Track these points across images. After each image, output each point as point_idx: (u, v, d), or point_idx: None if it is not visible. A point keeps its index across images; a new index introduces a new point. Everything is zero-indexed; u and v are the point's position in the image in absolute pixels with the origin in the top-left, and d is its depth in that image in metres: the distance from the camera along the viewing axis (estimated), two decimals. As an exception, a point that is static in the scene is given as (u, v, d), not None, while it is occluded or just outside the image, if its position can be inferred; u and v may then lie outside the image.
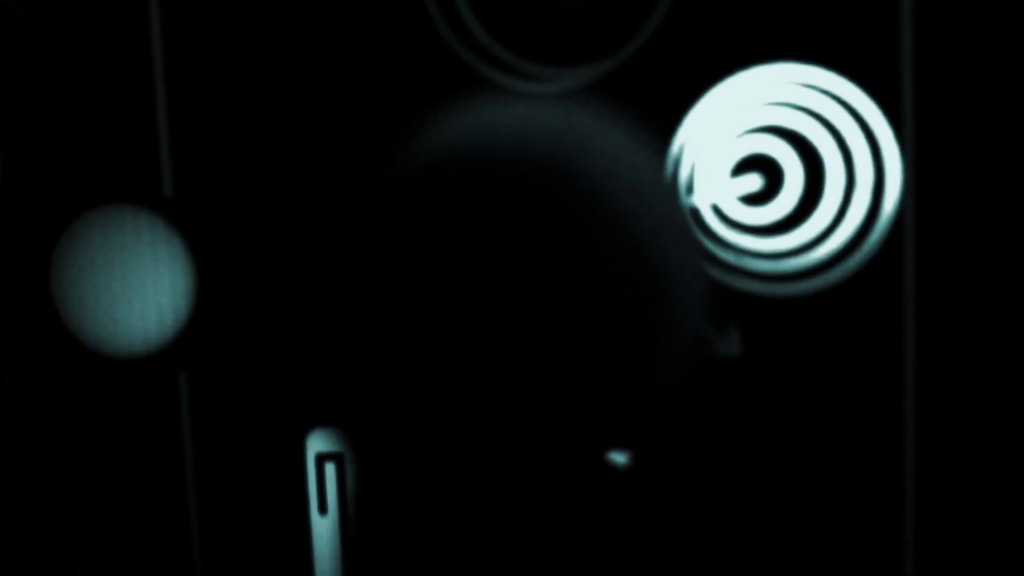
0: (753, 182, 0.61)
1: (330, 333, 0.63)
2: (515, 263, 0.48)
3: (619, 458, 0.60)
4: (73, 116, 0.63)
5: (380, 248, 0.51)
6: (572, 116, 0.52)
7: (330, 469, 0.64)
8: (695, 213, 0.61)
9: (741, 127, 0.61)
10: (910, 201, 0.61)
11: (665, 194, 0.52)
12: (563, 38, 0.61)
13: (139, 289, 0.62)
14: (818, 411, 0.62)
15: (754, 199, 0.61)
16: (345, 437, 0.64)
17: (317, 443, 0.64)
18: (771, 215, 0.61)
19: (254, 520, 0.65)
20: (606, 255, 0.49)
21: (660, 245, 0.51)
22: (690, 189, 0.61)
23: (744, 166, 0.61)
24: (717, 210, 0.61)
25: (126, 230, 0.62)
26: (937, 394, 0.62)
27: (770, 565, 0.63)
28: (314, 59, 0.62)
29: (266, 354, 0.64)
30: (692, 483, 0.63)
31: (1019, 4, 0.59)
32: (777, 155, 0.61)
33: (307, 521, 0.65)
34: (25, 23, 0.62)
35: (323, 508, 0.65)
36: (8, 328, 0.64)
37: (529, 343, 0.49)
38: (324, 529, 0.65)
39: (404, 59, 0.62)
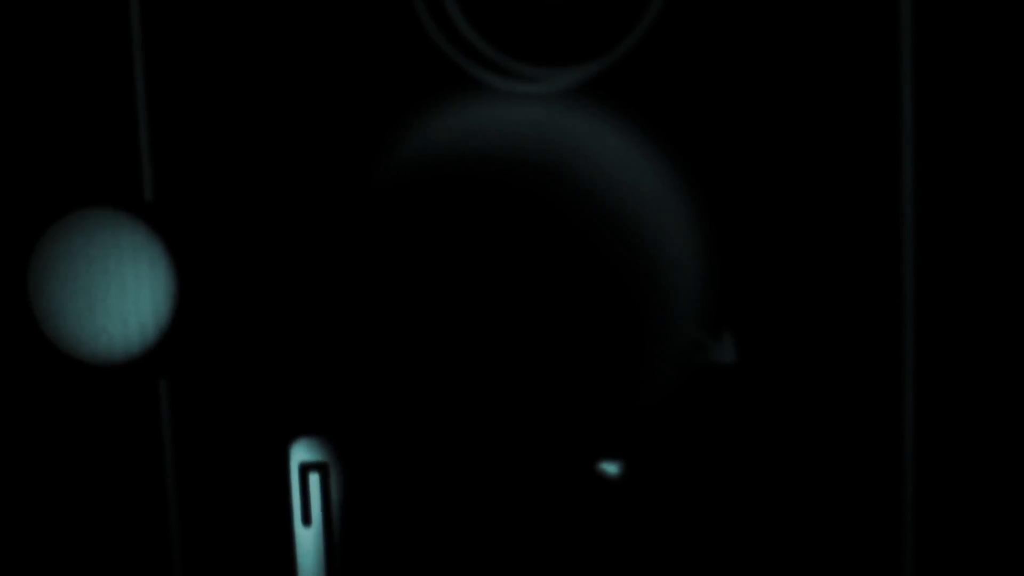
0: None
1: (316, 339, 0.63)
2: (508, 267, 0.48)
3: (611, 468, 0.60)
4: (51, 118, 0.63)
5: (368, 251, 0.50)
6: (566, 117, 0.52)
7: (314, 479, 0.64)
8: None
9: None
10: (910, 201, 0.61)
11: (663, 196, 0.52)
12: (554, 37, 0.61)
13: (118, 294, 0.62)
14: (815, 419, 0.62)
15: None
16: (330, 446, 0.64)
17: (301, 452, 0.64)
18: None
19: (236, 531, 0.65)
20: (602, 258, 0.48)
21: (657, 249, 0.50)
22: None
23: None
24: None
25: (105, 234, 0.62)
26: (937, 401, 0.62)
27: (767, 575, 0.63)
28: (300, 60, 0.62)
29: (249, 361, 0.64)
30: (687, 492, 0.63)
31: (1019, 4, 0.59)
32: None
33: (290, 532, 0.65)
34: (2, 23, 0.62)
35: (307, 519, 0.64)
36: (-16, 334, 0.64)
37: (522, 347, 0.49)
38: (308, 541, 0.65)
39: (391, 59, 0.61)
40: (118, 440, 0.65)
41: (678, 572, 0.63)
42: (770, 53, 0.60)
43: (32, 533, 0.66)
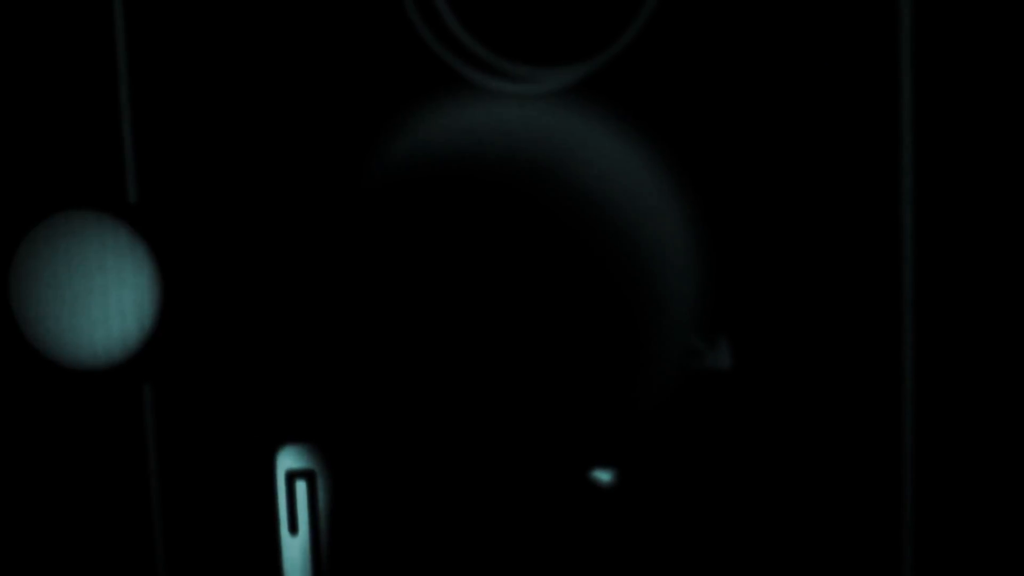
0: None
1: (303, 343, 0.63)
2: (500, 270, 0.47)
3: (603, 476, 0.60)
4: (34, 119, 0.63)
5: (358, 254, 0.50)
6: (559, 118, 0.52)
7: (301, 487, 0.64)
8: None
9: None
10: (909, 204, 0.61)
11: (657, 199, 0.51)
12: (546, 37, 0.61)
13: (101, 298, 0.61)
14: (812, 425, 0.62)
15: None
16: (318, 453, 0.64)
17: (288, 460, 0.64)
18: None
19: (221, 540, 0.65)
20: (596, 262, 0.47)
21: (652, 253, 0.50)
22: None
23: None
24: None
25: (88, 237, 0.61)
26: (936, 408, 0.62)
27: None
28: (289, 61, 0.62)
29: (235, 366, 0.63)
30: (682, 499, 0.63)
31: (1019, 4, 0.59)
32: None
33: (277, 541, 0.64)
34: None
35: (293, 528, 0.64)
36: (-37, 339, 0.63)
37: (514, 353, 0.48)
38: (294, 550, 0.64)
39: (381, 60, 0.61)
40: (101, 447, 0.65)
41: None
42: (766, 53, 0.60)
43: (14, 541, 0.65)
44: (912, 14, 0.59)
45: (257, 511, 0.64)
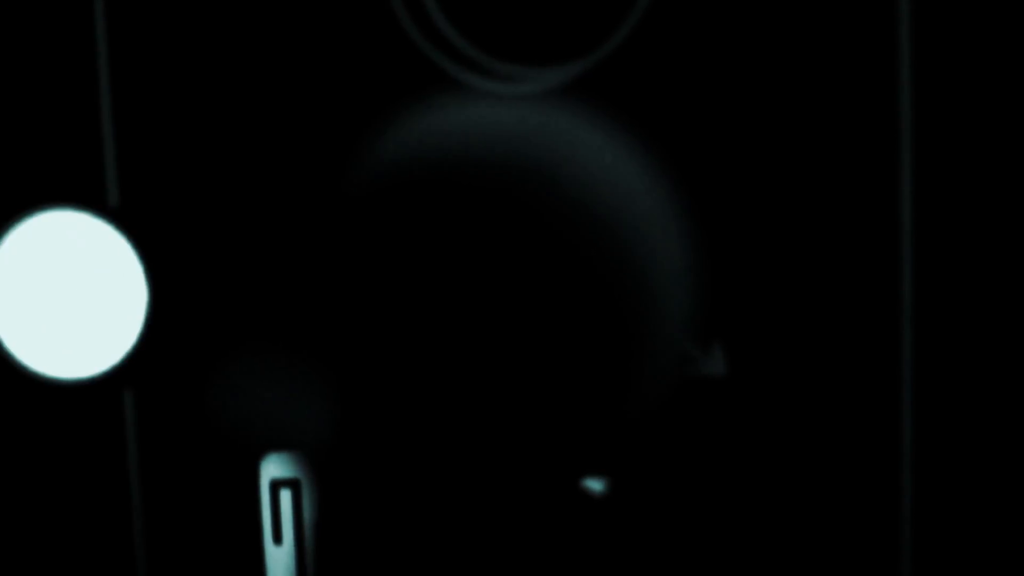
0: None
1: (289, 349, 0.62)
2: (491, 275, 0.47)
3: (596, 485, 0.60)
4: (14, 120, 0.62)
5: (346, 259, 0.49)
6: (549, 118, 0.51)
7: (286, 496, 0.64)
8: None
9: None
10: (908, 206, 0.61)
11: (649, 201, 0.51)
12: (537, 36, 0.61)
13: (84, 303, 0.61)
14: (807, 433, 0.62)
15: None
16: (303, 462, 0.63)
17: (272, 468, 0.64)
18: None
19: (204, 551, 0.65)
20: (589, 268, 0.47)
21: (645, 258, 0.49)
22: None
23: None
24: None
25: (69, 240, 0.61)
26: (934, 411, 0.62)
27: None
28: (275, 62, 0.62)
29: (219, 372, 0.63)
30: (675, 508, 0.63)
31: (1019, 4, 0.59)
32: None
33: (261, 551, 0.64)
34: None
35: (278, 537, 0.64)
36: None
37: (505, 359, 0.48)
38: (279, 560, 0.64)
39: (370, 60, 0.61)
40: (80, 456, 0.64)
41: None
42: (760, 52, 0.60)
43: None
44: (911, 14, 0.60)
45: (241, 520, 0.64)
